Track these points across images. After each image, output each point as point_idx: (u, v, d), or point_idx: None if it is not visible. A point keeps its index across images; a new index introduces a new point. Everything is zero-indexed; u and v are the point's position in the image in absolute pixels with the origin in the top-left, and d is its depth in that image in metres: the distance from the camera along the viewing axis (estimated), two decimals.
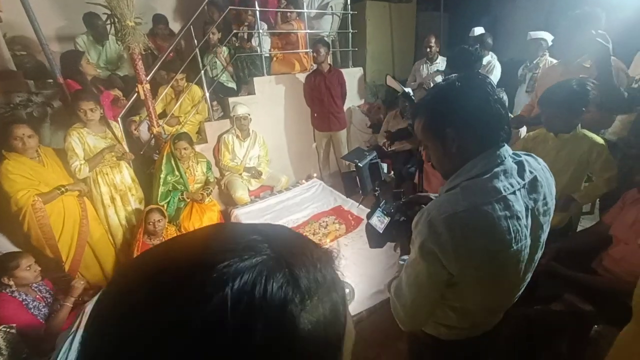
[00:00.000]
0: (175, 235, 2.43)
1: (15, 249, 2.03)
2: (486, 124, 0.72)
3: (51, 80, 2.96)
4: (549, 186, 0.77)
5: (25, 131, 1.97)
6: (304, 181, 3.31)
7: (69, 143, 2.17)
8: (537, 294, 1.37)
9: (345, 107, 3.67)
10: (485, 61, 3.12)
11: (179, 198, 2.56)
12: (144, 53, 2.49)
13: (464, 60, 1.95)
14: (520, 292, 0.84)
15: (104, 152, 2.27)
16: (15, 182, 1.96)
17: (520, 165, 0.74)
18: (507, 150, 0.74)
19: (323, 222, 2.59)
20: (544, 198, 0.76)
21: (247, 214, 2.76)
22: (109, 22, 2.34)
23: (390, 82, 1.92)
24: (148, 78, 2.52)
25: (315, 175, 3.43)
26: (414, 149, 3.23)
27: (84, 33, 3.04)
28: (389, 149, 3.10)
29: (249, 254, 0.25)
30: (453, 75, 0.76)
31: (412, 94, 3.14)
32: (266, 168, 3.26)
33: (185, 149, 2.55)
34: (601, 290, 1.39)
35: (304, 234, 2.44)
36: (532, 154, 0.81)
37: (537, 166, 0.78)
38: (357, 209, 2.71)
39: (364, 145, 3.76)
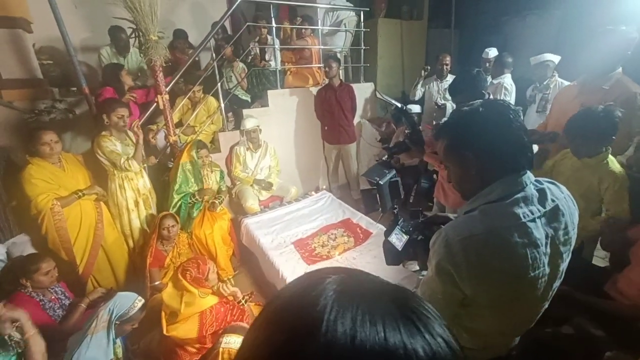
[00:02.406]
0: (186, 242, 2.49)
1: (34, 251, 2.10)
2: (506, 151, 0.73)
3: (74, 89, 3.09)
4: (571, 215, 0.77)
5: (53, 137, 2.07)
6: (313, 193, 3.35)
7: (106, 147, 2.26)
8: (547, 315, 1.37)
9: (355, 121, 3.73)
10: (496, 81, 3.15)
11: (189, 200, 2.59)
12: (164, 65, 2.60)
13: (465, 85, 1.82)
14: (536, 318, 0.84)
15: (139, 149, 2.38)
16: (37, 186, 2.04)
17: (542, 192, 0.75)
18: (529, 177, 0.75)
19: (332, 234, 2.61)
20: (565, 227, 0.76)
21: (256, 224, 2.80)
22: (133, 35, 2.45)
23: (381, 96, 1.88)
24: (167, 89, 2.62)
25: (324, 187, 3.47)
26: (421, 165, 3.25)
27: (107, 45, 3.18)
28: (396, 163, 3.11)
29: None
30: (479, 101, 0.79)
31: (412, 109, 3.15)
32: (276, 179, 3.31)
33: (206, 156, 2.66)
34: (615, 315, 1.38)
35: (313, 245, 2.48)
36: (555, 182, 0.81)
37: (560, 195, 0.78)
38: (366, 222, 2.73)
39: (374, 160, 3.80)
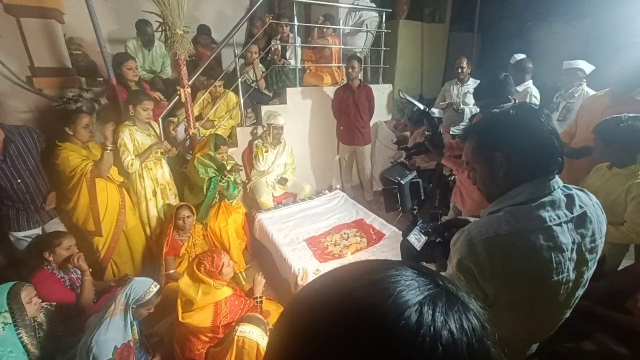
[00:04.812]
0: (201, 233, 2.53)
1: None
2: (537, 153, 0.73)
3: (101, 79, 3.19)
4: (599, 223, 0.76)
5: (90, 120, 2.17)
6: (326, 191, 3.36)
7: (122, 139, 2.32)
8: (567, 330, 1.33)
9: (372, 122, 3.71)
10: (521, 88, 3.08)
11: (221, 181, 2.58)
12: (188, 59, 2.65)
13: (492, 90, 1.73)
14: (556, 327, 0.83)
15: (153, 148, 2.42)
16: (74, 162, 2.11)
17: (569, 198, 0.74)
18: (557, 182, 0.74)
19: (344, 233, 2.61)
20: (592, 234, 0.75)
21: (269, 219, 2.82)
22: (160, 29, 2.51)
23: (404, 96, 1.82)
24: (189, 82, 2.67)
25: (338, 186, 3.47)
26: (438, 169, 3.21)
27: (133, 37, 3.27)
28: (412, 166, 3.09)
29: None
30: (510, 103, 0.79)
31: (434, 112, 3.13)
32: (291, 176, 3.33)
33: (225, 152, 2.71)
34: (637, 332, 1.33)
35: (325, 243, 2.48)
36: (584, 189, 0.80)
37: (589, 202, 0.77)
38: (379, 224, 2.71)
39: (388, 161, 3.78)
